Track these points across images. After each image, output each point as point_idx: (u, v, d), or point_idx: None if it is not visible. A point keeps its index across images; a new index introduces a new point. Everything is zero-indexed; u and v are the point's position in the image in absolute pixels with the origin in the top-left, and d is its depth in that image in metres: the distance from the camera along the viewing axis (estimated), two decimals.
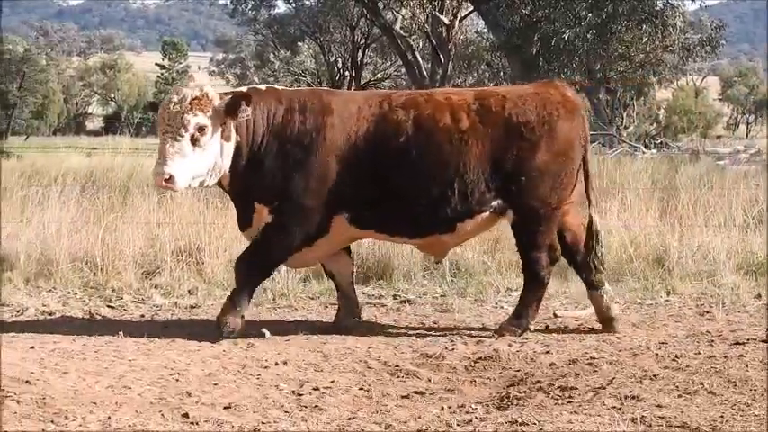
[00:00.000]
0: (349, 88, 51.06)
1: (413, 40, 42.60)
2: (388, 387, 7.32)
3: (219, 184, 8.86)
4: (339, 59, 54.14)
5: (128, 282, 10.74)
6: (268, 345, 8.38)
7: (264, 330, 8.76)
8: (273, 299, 10.30)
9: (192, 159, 8.43)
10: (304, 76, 54.44)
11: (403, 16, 43.25)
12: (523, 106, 8.83)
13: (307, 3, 52.28)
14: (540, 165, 8.76)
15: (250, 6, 51.22)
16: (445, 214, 8.73)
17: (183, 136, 8.41)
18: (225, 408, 6.60)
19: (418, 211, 8.71)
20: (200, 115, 8.45)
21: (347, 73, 53.10)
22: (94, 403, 6.51)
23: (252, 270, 8.83)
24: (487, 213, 8.85)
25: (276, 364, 7.75)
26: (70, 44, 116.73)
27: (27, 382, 6.87)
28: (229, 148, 8.61)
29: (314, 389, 7.12)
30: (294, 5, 52.32)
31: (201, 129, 8.43)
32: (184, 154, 8.40)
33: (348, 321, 9.26)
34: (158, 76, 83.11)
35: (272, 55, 56.93)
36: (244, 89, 9.05)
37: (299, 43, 54.11)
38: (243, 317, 8.69)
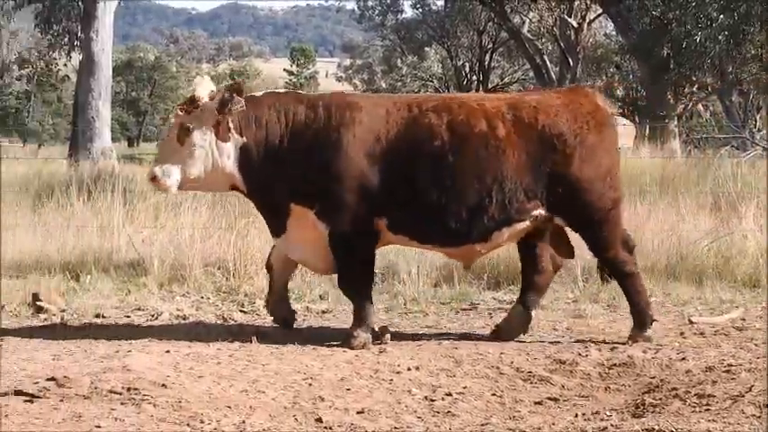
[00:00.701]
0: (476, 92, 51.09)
1: (541, 44, 42.31)
2: (520, 393, 7.27)
3: (236, 189, 8.86)
4: (466, 64, 53.96)
5: (260, 286, 10.79)
6: (401, 350, 8.37)
7: None
8: (405, 304, 10.31)
9: (177, 159, 8.55)
10: (431, 81, 54.42)
11: (531, 20, 43.02)
12: (556, 117, 8.68)
13: (434, 8, 52.41)
14: (583, 175, 8.66)
15: (377, 12, 51.48)
16: (482, 223, 8.57)
17: (169, 136, 8.72)
18: (358, 413, 6.61)
19: (454, 219, 8.53)
20: (183, 115, 8.61)
21: (474, 77, 52.97)
22: (229, 407, 6.57)
23: (356, 285, 8.79)
24: (527, 222, 8.68)
25: (408, 369, 7.72)
26: (200, 51, 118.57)
27: (163, 385, 6.96)
28: (228, 147, 8.58)
29: (446, 394, 7.09)
30: (421, 11, 52.41)
31: (186, 129, 8.54)
32: (170, 154, 8.62)
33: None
34: (287, 83, 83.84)
35: (399, 60, 56.96)
36: (258, 93, 9.05)
37: (427, 48, 54.09)
38: (373, 329, 8.68)
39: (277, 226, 8.80)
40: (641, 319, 8.80)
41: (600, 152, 8.77)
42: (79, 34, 27.66)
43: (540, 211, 8.63)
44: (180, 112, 8.70)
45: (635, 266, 8.92)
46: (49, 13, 30.02)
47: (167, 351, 8.10)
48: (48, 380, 6.95)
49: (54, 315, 9.72)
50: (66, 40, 29.97)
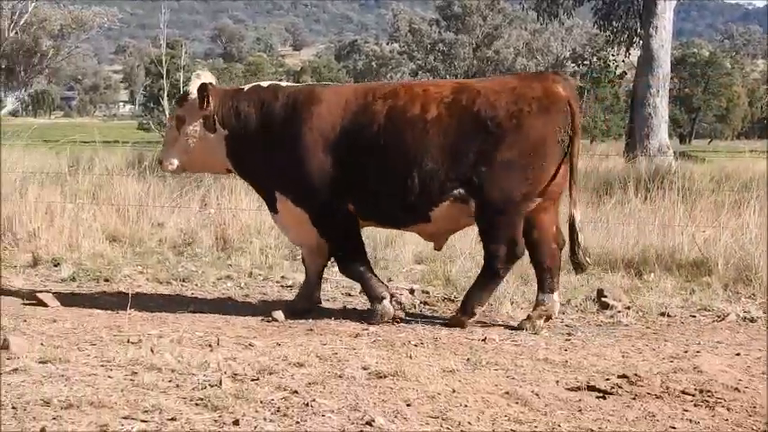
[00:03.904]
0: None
1: None
2: None
3: (231, 172, 9.82)
4: None
5: None
6: None
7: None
8: None
9: (175, 147, 9.65)
10: None
11: None
12: (494, 101, 8.77)
13: None
14: (504, 158, 8.68)
15: None
16: (412, 202, 8.90)
17: (170, 125, 9.82)
18: None
19: (390, 199, 8.96)
20: (178, 108, 9.72)
21: None
22: None
23: (352, 266, 9.37)
24: (448, 202, 8.87)
25: None
26: (755, 47, 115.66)
27: (736, 389, 6.79)
28: (216, 139, 9.49)
29: None
30: None
31: (180, 119, 9.60)
32: (169, 142, 9.76)
33: (303, 304, 9.57)
34: None
35: None
36: (245, 87, 9.75)
37: None
38: (384, 298, 9.17)
39: (270, 206, 9.55)
40: (466, 308, 9.03)
41: (535, 138, 8.72)
42: (638, 30, 27.78)
43: (460, 191, 8.82)
44: (177, 107, 9.78)
45: (503, 271, 8.99)
46: (608, 9, 30.42)
47: (737, 354, 7.93)
48: (619, 377, 7.01)
49: (619, 312, 9.77)
50: (624, 36, 30.19)
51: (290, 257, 12.39)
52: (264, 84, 9.78)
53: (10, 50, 49.61)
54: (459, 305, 9.31)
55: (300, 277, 10.07)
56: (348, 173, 9.05)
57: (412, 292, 10.60)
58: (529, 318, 9.07)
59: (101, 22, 53.00)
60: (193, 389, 6.31)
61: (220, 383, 6.37)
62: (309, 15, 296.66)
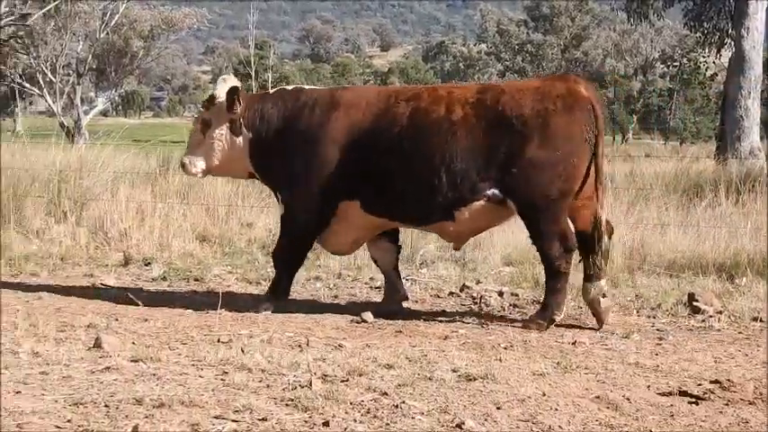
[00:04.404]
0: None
1: None
2: None
3: (254, 176, 9.87)
4: None
5: None
6: None
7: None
8: None
9: (200, 150, 9.70)
10: None
11: None
12: (519, 100, 8.85)
13: None
14: (533, 157, 8.74)
15: None
16: (438, 201, 8.91)
17: (195, 129, 9.82)
18: None
19: (414, 197, 8.98)
20: (204, 111, 9.76)
21: None
22: None
23: (284, 260, 9.58)
24: (482, 202, 8.92)
25: None
26: None
27: None
28: (240, 141, 9.60)
29: None
30: None
31: (206, 123, 9.67)
32: (194, 145, 9.78)
33: (392, 306, 9.66)
34: None
35: None
36: (270, 91, 9.95)
37: None
38: (280, 300, 9.51)
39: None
40: (544, 312, 9.01)
41: (561, 136, 8.79)
42: (730, 31, 27.43)
43: (494, 191, 8.87)
44: (202, 108, 9.87)
45: (566, 266, 8.93)
46: (699, 10, 30.09)
47: None
48: (711, 382, 6.93)
49: (711, 316, 9.63)
50: (715, 37, 29.84)
51: None
52: (289, 87, 9.91)
53: (101, 51, 50.34)
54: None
55: None
56: (366, 172, 9.13)
57: (501, 294, 10.56)
58: (599, 312, 9.13)
59: (190, 23, 53.56)
60: (284, 389, 6.35)
61: (310, 384, 6.39)
62: (397, 16, 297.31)
